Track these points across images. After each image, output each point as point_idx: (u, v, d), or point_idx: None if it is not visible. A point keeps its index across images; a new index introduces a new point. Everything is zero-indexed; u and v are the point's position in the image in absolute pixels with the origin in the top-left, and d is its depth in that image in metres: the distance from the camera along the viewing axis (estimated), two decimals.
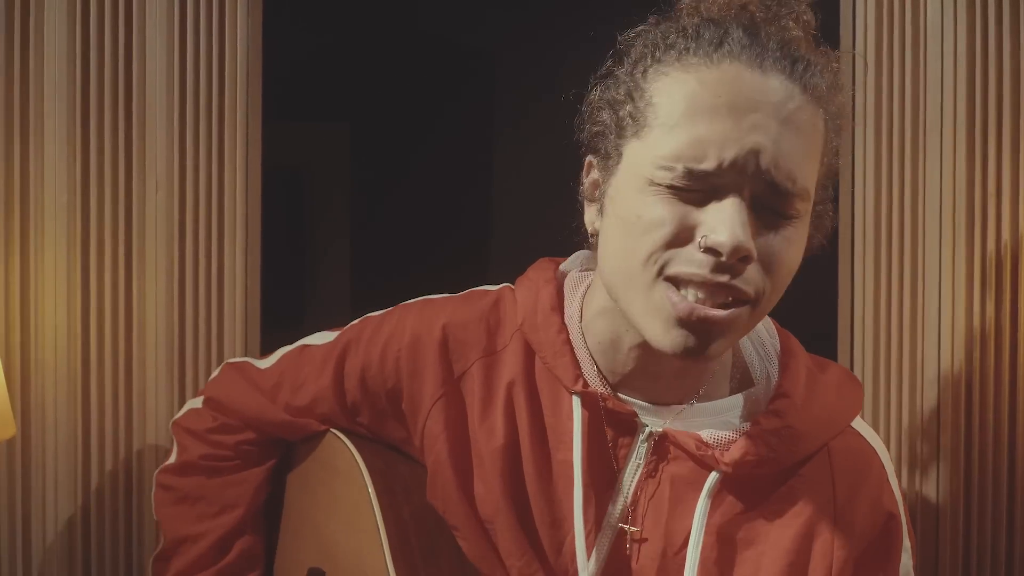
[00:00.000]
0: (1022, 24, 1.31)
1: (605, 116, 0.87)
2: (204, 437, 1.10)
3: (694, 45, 0.82)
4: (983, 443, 1.32)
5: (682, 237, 0.80)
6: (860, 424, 0.96)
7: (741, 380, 0.95)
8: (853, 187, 1.40)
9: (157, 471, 1.13)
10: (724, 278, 0.79)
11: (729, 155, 0.78)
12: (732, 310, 0.81)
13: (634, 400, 0.93)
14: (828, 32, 0.89)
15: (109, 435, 1.38)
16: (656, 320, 0.81)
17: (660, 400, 0.92)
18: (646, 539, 0.92)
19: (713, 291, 0.80)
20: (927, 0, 1.34)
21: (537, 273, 1.00)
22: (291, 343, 1.12)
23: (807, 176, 0.82)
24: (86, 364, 1.37)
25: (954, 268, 1.34)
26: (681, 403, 0.92)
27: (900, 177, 1.37)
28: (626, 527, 0.92)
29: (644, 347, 0.88)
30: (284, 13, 1.49)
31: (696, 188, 0.80)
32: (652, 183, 0.81)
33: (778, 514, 0.90)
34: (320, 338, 1.09)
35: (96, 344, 1.37)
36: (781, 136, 0.79)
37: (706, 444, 0.89)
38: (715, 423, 0.91)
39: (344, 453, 1.05)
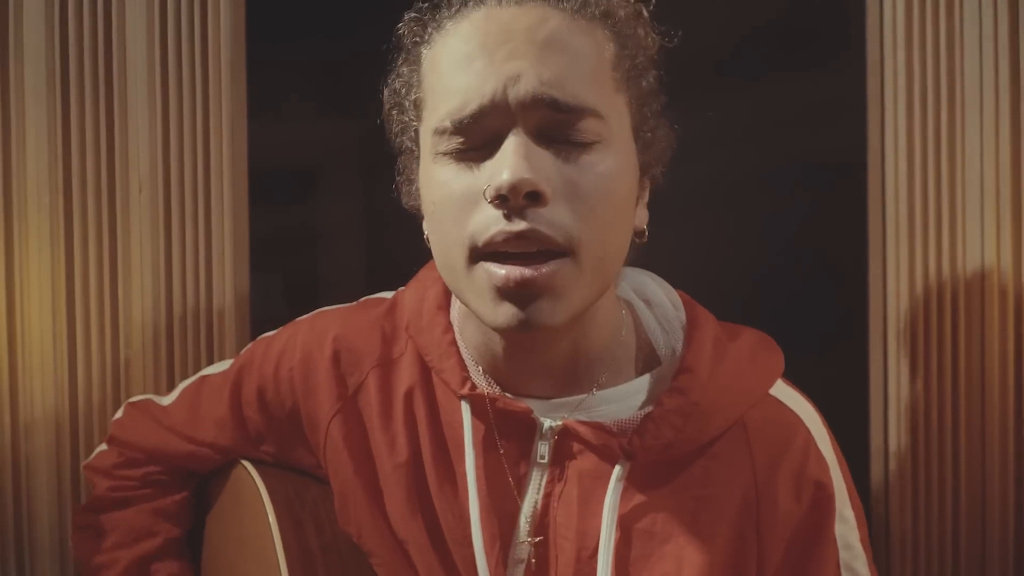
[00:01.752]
0: None
1: (397, 114, 0.84)
2: (110, 472, 1.08)
3: (448, 12, 0.79)
4: None
5: (471, 199, 0.74)
6: (782, 390, 0.88)
7: (647, 361, 0.88)
8: (883, 167, 1.30)
9: (72, 515, 1.11)
10: (522, 225, 0.72)
11: (488, 90, 0.73)
12: (549, 264, 0.73)
13: (529, 398, 0.86)
14: None
15: (96, 436, 1.36)
16: (483, 301, 0.75)
17: (557, 394, 0.85)
18: (561, 546, 0.84)
19: (517, 244, 0.73)
20: None
21: (426, 272, 0.94)
22: None
23: (591, 94, 0.75)
24: (72, 366, 1.35)
25: (999, 253, 1.23)
26: (575, 394, 0.84)
27: (936, 157, 1.27)
28: (528, 540, 0.85)
29: (508, 339, 0.82)
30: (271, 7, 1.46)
31: (477, 144, 0.75)
32: (437, 156, 0.76)
33: (697, 500, 0.83)
34: (217, 367, 1.06)
35: (82, 345, 1.36)
36: (543, 57, 0.74)
37: (608, 432, 0.83)
38: (621, 409, 0.84)
39: (249, 484, 1.00)
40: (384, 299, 0.98)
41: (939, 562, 1.32)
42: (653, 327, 0.89)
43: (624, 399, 0.85)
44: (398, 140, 0.86)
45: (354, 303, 1.00)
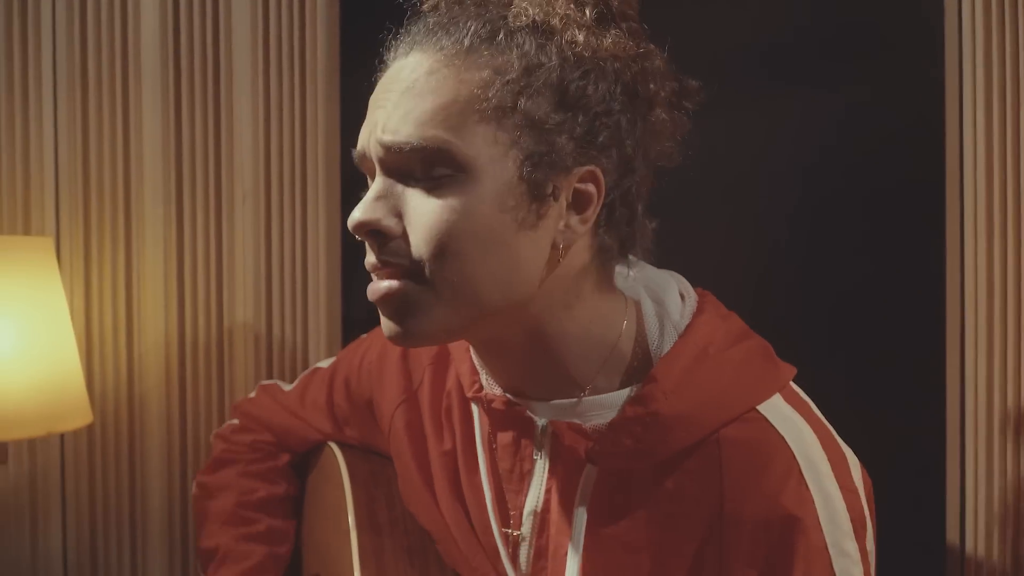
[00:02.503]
0: None
1: None
2: (227, 437, 1.18)
3: (381, 67, 0.84)
4: None
5: None
6: (777, 409, 0.82)
7: (637, 370, 0.85)
8: (962, 167, 1.31)
9: (194, 478, 1.20)
10: (372, 257, 0.80)
11: (362, 139, 0.81)
12: (392, 282, 0.78)
13: (530, 400, 0.87)
14: None
15: (203, 428, 1.49)
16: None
17: (551, 396, 0.86)
18: (558, 540, 0.87)
19: (377, 272, 0.80)
20: None
21: None
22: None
23: (437, 132, 0.76)
24: (182, 363, 1.48)
25: None
26: (565, 398, 0.85)
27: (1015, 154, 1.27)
28: (514, 532, 0.89)
29: (478, 346, 0.88)
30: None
31: (369, 184, 0.81)
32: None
33: (665, 516, 0.81)
34: (327, 361, 1.16)
35: (191, 346, 1.48)
36: (400, 103, 0.78)
37: (583, 435, 0.83)
38: (608, 415, 0.83)
39: (333, 462, 1.09)
40: None
41: None
42: (653, 333, 0.87)
43: (612, 406, 0.84)
44: None
45: None
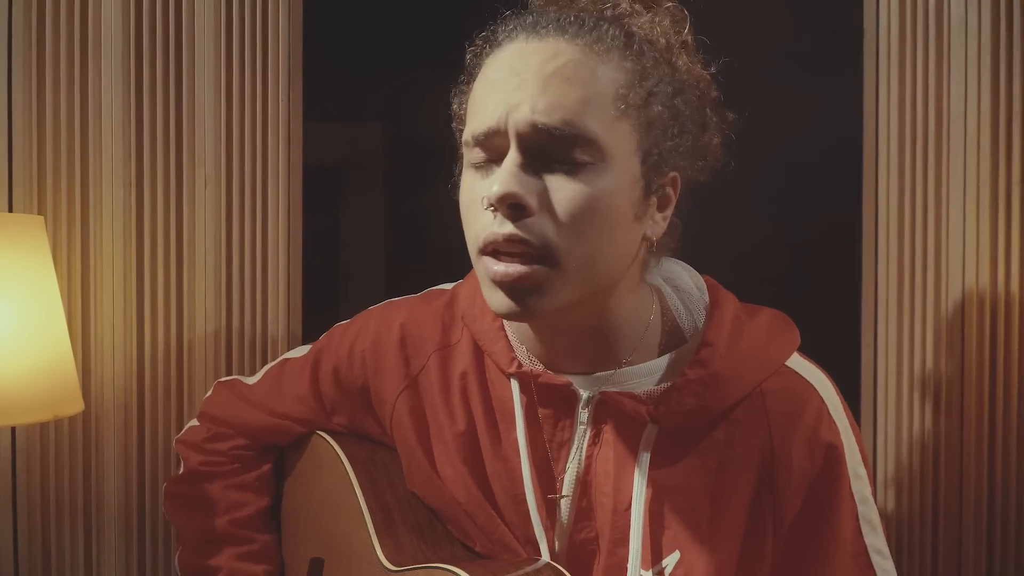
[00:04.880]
0: None
1: (454, 124, 0.96)
2: (200, 447, 1.18)
3: (491, 43, 0.90)
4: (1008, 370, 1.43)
5: (479, 203, 0.85)
6: (799, 363, 0.96)
7: (672, 339, 0.97)
8: (878, 117, 1.47)
9: (164, 484, 1.21)
10: (507, 228, 0.83)
11: (496, 114, 0.84)
12: (531, 266, 0.84)
13: (567, 374, 0.96)
14: None
15: (161, 415, 1.47)
16: (485, 288, 0.87)
17: (591, 370, 0.95)
18: (600, 501, 0.95)
19: (504, 245, 0.84)
20: None
21: None
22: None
23: (584, 122, 0.84)
24: (140, 349, 1.46)
25: (979, 193, 1.43)
26: (606, 370, 0.95)
27: (924, 106, 1.45)
28: (564, 496, 0.96)
29: (536, 324, 0.94)
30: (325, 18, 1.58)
31: (492, 157, 0.86)
32: (468, 164, 0.89)
33: (719, 461, 0.92)
34: (297, 352, 1.18)
35: (150, 330, 1.46)
36: (546, 87, 0.83)
37: (639, 401, 0.92)
38: (647, 383, 0.94)
39: (328, 450, 1.12)
40: (445, 290, 1.10)
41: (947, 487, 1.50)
42: (680, 309, 0.98)
43: (650, 374, 0.94)
44: (457, 144, 0.96)
45: (419, 294, 1.12)
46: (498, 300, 0.86)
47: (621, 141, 0.86)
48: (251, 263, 1.49)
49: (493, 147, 0.86)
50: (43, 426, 1.41)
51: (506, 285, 0.85)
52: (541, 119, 0.82)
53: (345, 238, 1.92)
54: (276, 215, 1.49)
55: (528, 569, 0.96)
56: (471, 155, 0.88)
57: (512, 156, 0.84)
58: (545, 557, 0.97)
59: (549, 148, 0.84)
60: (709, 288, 1.00)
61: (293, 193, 1.50)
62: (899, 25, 1.46)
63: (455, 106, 0.96)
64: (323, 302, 1.69)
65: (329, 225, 1.88)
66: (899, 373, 1.48)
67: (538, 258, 0.84)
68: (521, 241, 0.83)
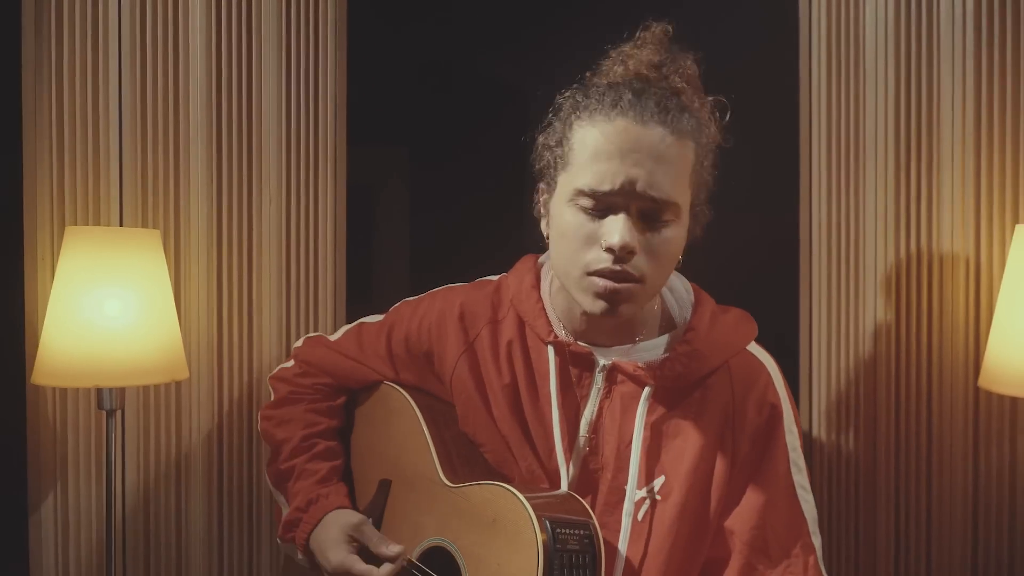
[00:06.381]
0: (942, 30, 1.61)
1: (547, 155, 1.20)
2: (290, 380, 1.47)
3: (599, 105, 1.14)
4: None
5: (591, 241, 1.13)
6: (756, 348, 1.27)
7: (665, 326, 1.27)
8: (811, 194, 1.70)
9: (260, 411, 1.49)
10: (619, 266, 1.11)
11: (617, 182, 1.11)
12: (627, 284, 1.12)
13: (590, 345, 1.23)
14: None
15: (236, 383, 1.78)
16: (586, 296, 1.15)
17: (608, 344, 1.24)
18: (607, 440, 1.22)
19: (615, 275, 1.12)
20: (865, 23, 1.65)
21: (523, 264, 1.34)
22: (364, 314, 1.50)
23: (676, 193, 1.13)
24: (220, 334, 1.78)
25: (886, 258, 1.68)
26: (623, 344, 1.24)
27: (846, 193, 1.68)
28: (586, 435, 1.23)
29: (586, 312, 1.18)
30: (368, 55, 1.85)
31: (599, 207, 1.12)
32: (572, 204, 1.14)
33: (694, 414, 1.21)
34: (371, 319, 1.46)
35: (227, 319, 1.77)
36: (655, 168, 1.11)
37: (641, 368, 1.20)
38: (649, 355, 1.23)
39: (398, 397, 1.39)
40: (491, 280, 1.36)
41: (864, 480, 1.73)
42: (673, 305, 1.27)
43: (651, 350, 1.23)
44: (539, 167, 1.21)
45: (471, 283, 1.38)
46: (599, 306, 1.13)
47: (685, 201, 1.15)
48: (305, 265, 1.78)
49: (606, 202, 1.11)
50: (144, 389, 1.73)
51: (607, 296, 1.12)
52: (652, 192, 1.10)
53: (375, 244, 2.20)
54: (325, 226, 1.78)
55: (555, 493, 1.21)
56: (582, 201, 1.12)
57: (627, 215, 1.11)
58: (564, 482, 1.20)
59: (650, 211, 1.12)
60: (694, 290, 1.30)
61: (339, 207, 1.80)
62: (827, 37, 1.68)
63: (541, 138, 1.21)
64: (360, 296, 1.97)
65: (364, 233, 2.15)
66: (830, 324, 1.72)
67: (634, 280, 1.12)
68: (626, 273, 1.12)
